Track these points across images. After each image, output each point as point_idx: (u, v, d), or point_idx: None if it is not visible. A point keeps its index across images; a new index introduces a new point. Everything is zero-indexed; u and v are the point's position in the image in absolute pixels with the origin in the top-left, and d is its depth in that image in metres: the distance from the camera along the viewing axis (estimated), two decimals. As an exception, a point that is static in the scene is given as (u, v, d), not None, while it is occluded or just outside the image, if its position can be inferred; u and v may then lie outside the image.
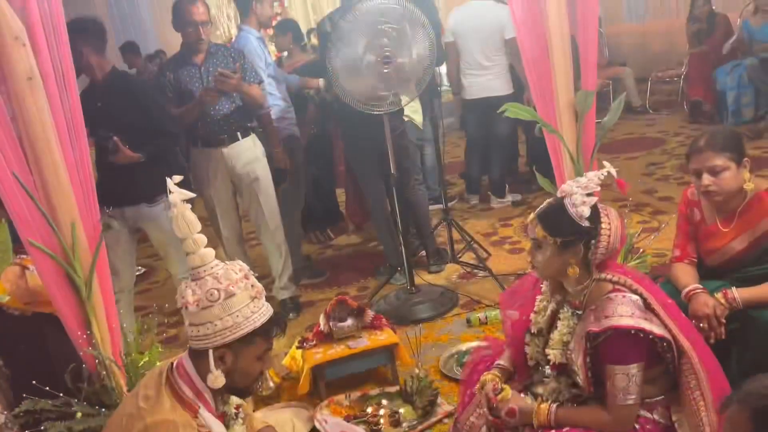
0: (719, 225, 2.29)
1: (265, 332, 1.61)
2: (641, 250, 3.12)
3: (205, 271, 1.60)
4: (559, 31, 2.69)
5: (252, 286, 1.61)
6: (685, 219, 2.41)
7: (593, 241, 1.80)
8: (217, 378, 1.57)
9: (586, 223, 1.79)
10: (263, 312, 1.61)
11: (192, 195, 1.67)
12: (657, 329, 1.75)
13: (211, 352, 1.57)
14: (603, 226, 1.80)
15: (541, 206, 1.88)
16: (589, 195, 1.82)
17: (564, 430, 1.85)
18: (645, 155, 5.70)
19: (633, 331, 1.73)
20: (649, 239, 3.38)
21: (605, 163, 1.98)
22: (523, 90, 4.55)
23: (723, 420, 1.11)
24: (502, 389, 1.96)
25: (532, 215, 1.89)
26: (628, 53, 8.35)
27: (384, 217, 3.89)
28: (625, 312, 1.75)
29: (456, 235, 3.96)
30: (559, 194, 1.86)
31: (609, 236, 1.80)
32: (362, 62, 3.09)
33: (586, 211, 1.79)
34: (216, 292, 1.56)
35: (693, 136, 2.27)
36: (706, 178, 2.16)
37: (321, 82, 4.27)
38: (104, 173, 2.92)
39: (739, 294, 2.13)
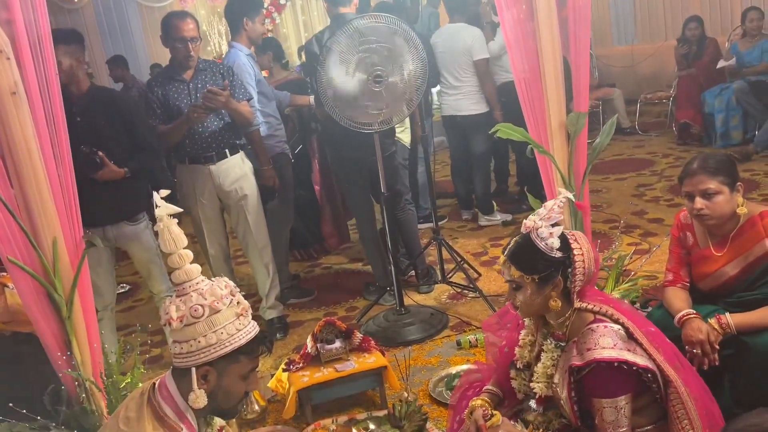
0: (712, 249, 2.27)
1: (250, 351, 1.56)
2: (632, 272, 3.10)
3: (190, 287, 1.56)
4: (552, 52, 2.68)
5: (238, 303, 1.57)
6: (678, 243, 2.39)
7: (569, 270, 1.77)
8: (199, 397, 1.52)
9: (559, 254, 1.76)
10: (249, 330, 1.56)
11: (179, 210, 1.63)
12: (641, 360, 1.72)
13: (194, 370, 1.52)
14: (575, 252, 1.78)
15: (510, 246, 1.84)
16: (554, 225, 1.79)
17: (554, 460, 1.81)
18: (635, 176, 5.72)
19: (616, 364, 1.69)
20: (640, 261, 3.36)
21: (561, 189, 1.97)
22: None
23: None
24: (492, 415, 1.92)
25: (502, 257, 1.85)
26: (618, 75, 8.43)
27: (372, 236, 3.86)
28: (607, 344, 1.72)
29: (446, 255, 3.93)
30: (523, 230, 1.83)
31: (584, 261, 1.78)
32: (352, 81, 3.07)
33: (556, 242, 1.76)
34: (200, 308, 1.52)
35: (682, 158, 2.27)
36: (699, 202, 2.14)
37: (312, 98, 4.24)
38: (83, 191, 2.83)
39: (732, 319, 2.10)
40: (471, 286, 3.70)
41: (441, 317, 3.49)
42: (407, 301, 3.57)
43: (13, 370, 2.57)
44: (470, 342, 3.14)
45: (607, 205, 5.01)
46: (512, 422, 2.01)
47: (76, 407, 2.42)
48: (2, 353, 2.59)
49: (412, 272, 4.05)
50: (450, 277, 3.88)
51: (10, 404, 2.34)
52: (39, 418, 2.37)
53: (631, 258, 3.00)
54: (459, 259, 3.89)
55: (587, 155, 2.81)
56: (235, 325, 1.54)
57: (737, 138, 6.11)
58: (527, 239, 1.80)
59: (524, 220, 1.85)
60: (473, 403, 2.03)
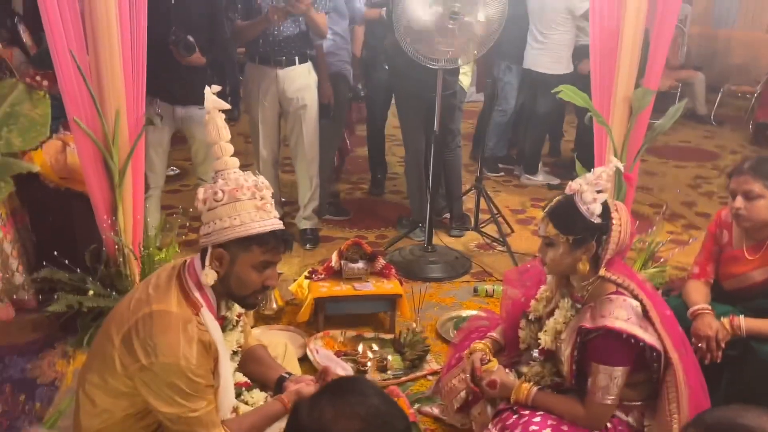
0: (745, 252, 2.25)
1: (264, 242, 1.64)
2: (663, 260, 3.09)
3: (222, 175, 1.67)
4: (634, 23, 2.61)
5: (261, 198, 1.65)
6: (713, 239, 2.38)
7: (605, 237, 1.80)
8: (208, 275, 1.64)
9: (598, 220, 1.79)
10: (265, 223, 1.64)
11: (227, 106, 1.73)
12: (649, 338, 1.76)
13: (210, 249, 1.64)
14: (614, 222, 1.80)
15: (551, 204, 1.87)
16: (599, 192, 1.81)
17: (538, 412, 1.90)
18: (695, 167, 5.56)
19: (625, 336, 1.74)
20: (673, 251, 3.34)
21: (612, 158, 1.96)
22: None
23: None
24: (489, 360, 2.01)
25: (542, 213, 1.89)
26: (706, 58, 8.01)
27: (417, 171, 3.90)
28: (621, 315, 1.76)
29: (484, 205, 3.96)
30: (567, 191, 1.85)
31: (620, 232, 1.80)
32: (428, 12, 3.04)
33: (598, 208, 1.79)
34: (221, 192, 1.63)
35: (749, 159, 2.22)
36: (739, 201, 2.13)
37: (383, 11, 4.19)
38: (164, 70, 3.00)
39: (745, 323, 2.11)
40: (501, 239, 3.74)
41: (465, 263, 3.57)
42: (436, 240, 3.65)
43: (62, 222, 2.78)
44: (487, 291, 3.22)
45: (658, 190, 4.92)
46: (507, 370, 2.11)
47: (113, 269, 2.61)
48: (56, 205, 2.78)
49: (447, 215, 4.11)
50: (483, 227, 3.93)
51: (55, 252, 2.55)
52: (78, 270, 2.58)
53: (663, 244, 2.98)
54: (495, 212, 3.93)
55: (645, 134, 2.76)
56: (251, 215, 1.62)
57: (812, 151, 5.84)
58: (570, 200, 1.83)
59: (570, 182, 1.88)
60: (474, 345, 2.13)
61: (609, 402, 1.80)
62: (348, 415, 0.97)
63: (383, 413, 0.99)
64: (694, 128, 6.80)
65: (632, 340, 1.74)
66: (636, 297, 1.81)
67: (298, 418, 1.00)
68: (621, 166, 1.96)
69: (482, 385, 1.99)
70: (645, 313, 1.79)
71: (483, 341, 2.16)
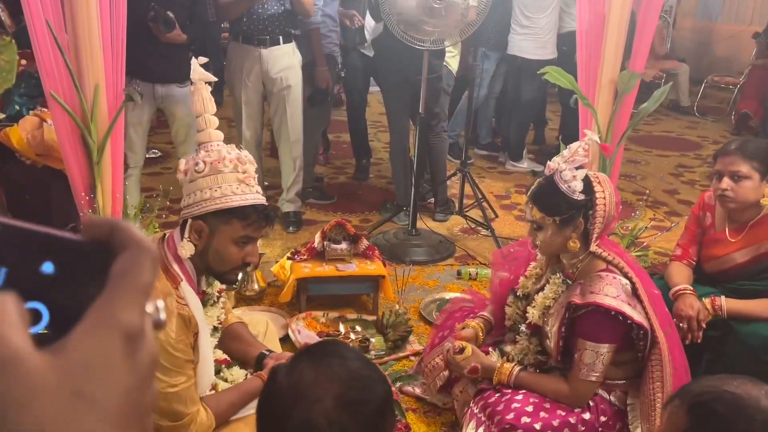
0: (727, 234, 2.27)
1: (243, 216, 1.61)
2: (645, 244, 3.10)
3: (205, 147, 1.64)
4: (621, 5, 2.60)
5: (243, 172, 1.62)
6: (696, 221, 2.39)
7: (591, 212, 1.79)
8: (185, 247, 1.60)
9: (581, 196, 1.78)
10: (246, 197, 1.61)
11: (213, 78, 1.68)
12: (637, 316, 1.76)
13: (189, 221, 1.61)
14: (597, 195, 1.79)
15: (533, 187, 1.86)
16: (578, 168, 1.79)
17: (520, 391, 1.90)
18: (678, 156, 5.59)
19: (613, 313, 1.74)
20: (655, 236, 3.35)
21: (587, 131, 1.95)
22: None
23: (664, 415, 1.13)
24: (462, 349, 1.99)
25: (526, 198, 1.87)
26: (690, 50, 8.07)
27: (402, 155, 3.88)
28: (611, 292, 1.76)
29: (468, 191, 3.95)
30: (547, 172, 1.84)
31: (605, 204, 1.79)
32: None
33: (579, 185, 1.77)
34: (203, 164, 1.60)
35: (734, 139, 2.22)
36: (726, 182, 2.13)
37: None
38: (143, 48, 2.94)
39: (726, 304, 2.13)
40: (485, 224, 3.74)
41: (448, 246, 3.56)
42: (420, 224, 3.63)
43: (39, 200, 2.72)
44: (470, 274, 3.21)
45: (641, 177, 4.94)
46: (490, 348, 2.10)
47: (91, 247, 2.56)
48: (33, 183, 2.72)
49: (432, 199, 4.10)
50: (467, 212, 3.92)
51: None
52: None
53: (646, 229, 2.99)
54: (480, 196, 3.92)
55: (630, 118, 2.76)
56: (232, 188, 1.59)
57: (794, 141, 5.89)
58: (550, 181, 1.82)
59: (549, 162, 1.86)
60: (468, 322, 2.12)
61: (593, 379, 1.80)
62: (328, 377, 0.94)
63: (363, 376, 0.97)
64: (677, 119, 6.84)
65: (620, 318, 1.74)
66: (626, 275, 1.80)
67: (275, 382, 0.97)
68: (596, 138, 1.94)
69: (464, 374, 1.98)
70: (634, 291, 1.79)
71: (475, 320, 2.15)
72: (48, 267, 0.33)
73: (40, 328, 0.32)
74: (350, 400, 0.94)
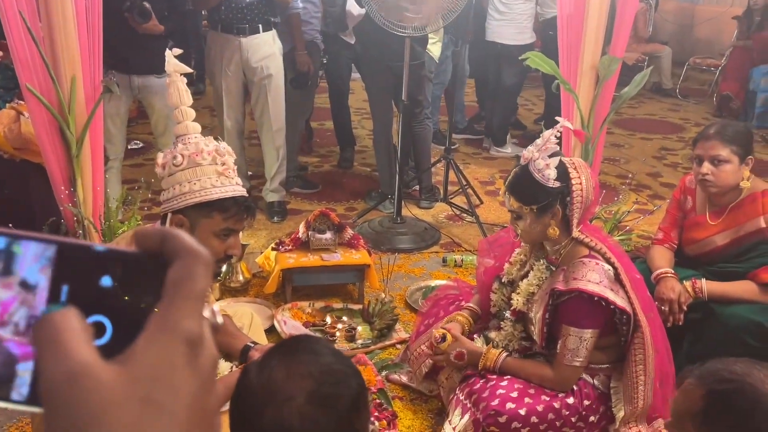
0: (708, 217, 2.29)
1: (224, 209, 1.60)
2: (628, 227, 3.12)
3: (183, 140, 1.62)
4: (601, -11, 2.59)
5: (222, 164, 1.61)
6: (677, 205, 2.41)
7: (568, 198, 1.80)
8: None
9: (557, 184, 1.79)
10: (226, 189, 1.60)
11: (188, 69, 1.66)
12: (620, 301, 1.78)
13: (169, 215, 1.60)
14: (573, 181, 1.80)
15: (509, 177, 1.87)
16: (552, 155, 1.80)
17: (505, 377, 1.91)
18: (661, 139, 5.63)
19: (596, 298, 1.76)
20: (638, 219, 3.38)
21: (558, 118, 1.95)
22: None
23: (674, 391, 1.11)
24: (444, 338, 2.00)
25: (503, 188, 1.88)
26: (672, 33, 8.10)
27: (385, 143, 3.87)
28: (594, 278, 1.77)
29: (453, 178, 3.95)
30: (521, 162, 1.84)
31: (582, 189, 1.80)
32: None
33: (553, 173, 1.78)
34: (181, 157, 1.58)
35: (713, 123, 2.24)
36: (706, 167, 2.15)
37: None
38: (119, 39, 2.90)
39: (707, 286, 2.15)
40: (470, 210, 3.74)
41: (434, 233, 3.56)
42: (405, 212, 3.63)
43: (19, 195, 2.68)
44: (456, 261, 3.22)
45: (624, 161, 4.97)
46: (475, 335, 2.11)
47: (72, 241, 2.53)
48: (11, 177, 2.69)
49: (417, 187, 4.09)
50: (451, 198, 3.92)
51: (10, 225, 2.47)
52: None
53: (629, 213, 3.01)
54: (464, 183, 3.92)
55: (611, 103, 2.77)
56: (211, 180, 1.59)
57: (774, 122, 5.95)
58: (525, 170, 1.82)
59: (523, 151, 1.87)
60: (454, 316, 2.13)
61: (577, 364, 1.82)
62: (300, 374, 0.93)
63: (336, 371, 0.96)
64: (659, 102, 6.87)
65: (603, 303, 1.76)
66: (608, 261, 1.82)
67: (247, 381, 0.95)
68: (569, 124, 1.95)
69: (450, 360, 1.99)
70: (617, 277, 1.80)
71: (461, 313, 2.15)
72: (106, 280, 0.35)
73: (104, 340, 0.34)
74: (323, 396, 0.94)
